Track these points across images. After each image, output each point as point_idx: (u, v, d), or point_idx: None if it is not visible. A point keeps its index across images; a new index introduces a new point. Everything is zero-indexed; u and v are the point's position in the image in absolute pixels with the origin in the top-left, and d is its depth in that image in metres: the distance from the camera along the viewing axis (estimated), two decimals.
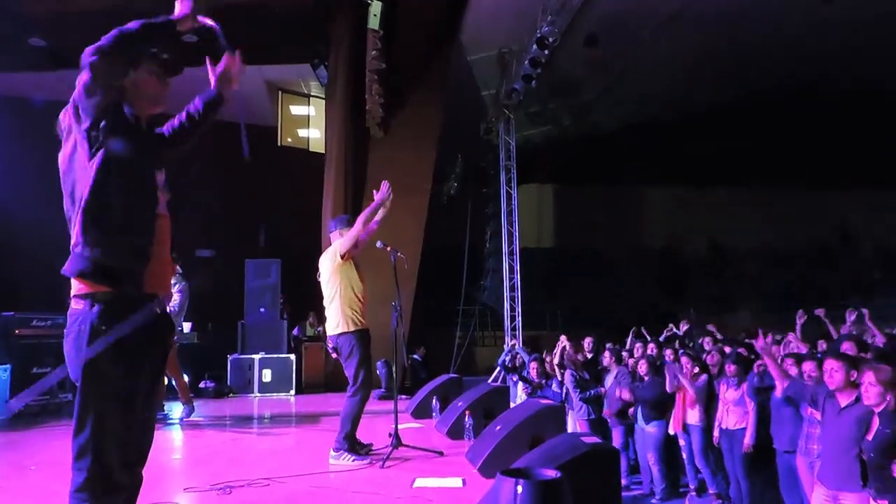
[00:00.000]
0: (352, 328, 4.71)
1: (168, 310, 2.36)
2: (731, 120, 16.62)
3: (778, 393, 4.54)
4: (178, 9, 2.29)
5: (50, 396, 7.19)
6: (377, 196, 4.87)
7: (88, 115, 2.14)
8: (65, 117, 2.20)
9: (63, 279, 2.20)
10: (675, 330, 9.12)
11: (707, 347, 7.11)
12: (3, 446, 5.66)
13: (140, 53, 2.26)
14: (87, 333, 2.04)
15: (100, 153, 2.11)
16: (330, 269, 4.83)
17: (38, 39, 9.35)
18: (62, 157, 2.19)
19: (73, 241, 2.12)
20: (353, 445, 4.66)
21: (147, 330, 2.15)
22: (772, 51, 13.03)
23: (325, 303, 4.87)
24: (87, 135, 2.13)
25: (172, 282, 5.63)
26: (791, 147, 17.75)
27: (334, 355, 4.88)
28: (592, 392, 6.96)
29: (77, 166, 2.14)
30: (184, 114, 2.34)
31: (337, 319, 4.75)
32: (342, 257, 4.79)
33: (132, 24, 2.18)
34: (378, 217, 5.08)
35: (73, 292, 2.15)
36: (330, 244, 5.04)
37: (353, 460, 4.55)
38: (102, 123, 2.13)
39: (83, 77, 2.14)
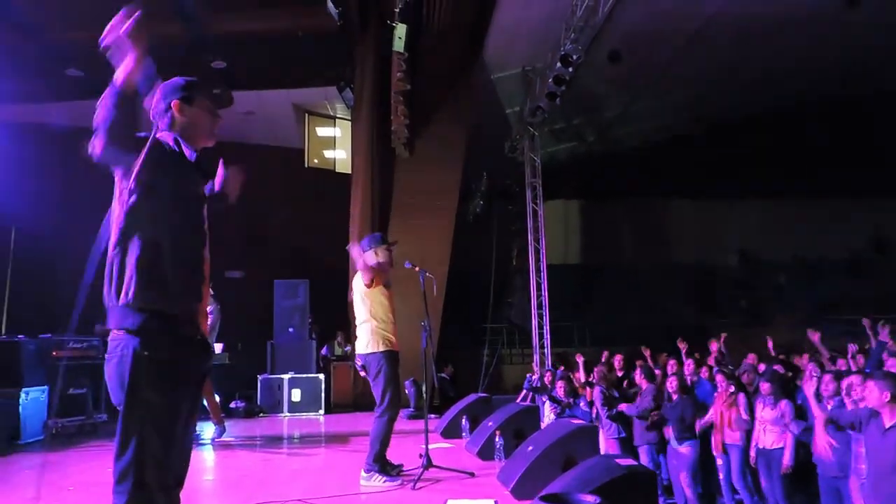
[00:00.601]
0: (381, 348, 4.73)
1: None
2: (760, 130, 16.40)
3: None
4: (121, 71, 1.97)
5: (86, 416, 7.32)
6: None
7: (125, 174, 2.09)
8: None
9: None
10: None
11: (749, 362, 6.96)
12: (40, 467, 5.75)
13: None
14: (129, 358, 2.05)
15: (147, 200, 2.10)
16: (361, 291, 4.86)
17: (75, 70, 9.62)
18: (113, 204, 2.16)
19: (123, 296, 2.06)
20: (383, 466, 4.66)
21: (187, 354, 2.18)
22: (800, 59, 12.82)
23: (357, 321, 4.90)
24: (128, 188, 2.09)
25: None
26: (821, 156, 17.41)
27: (363, 373, 4.91)
28: (618, 409, 6.85)
29: (122, 213, 2.10)
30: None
31: (367, 339, 4.78)
32: (367, 286, 4.82)
33: (106, 114, 1.93)
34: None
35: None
36: None
37: (385, 481, 4.54)
38: (142, 176, 2.06)
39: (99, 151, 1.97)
